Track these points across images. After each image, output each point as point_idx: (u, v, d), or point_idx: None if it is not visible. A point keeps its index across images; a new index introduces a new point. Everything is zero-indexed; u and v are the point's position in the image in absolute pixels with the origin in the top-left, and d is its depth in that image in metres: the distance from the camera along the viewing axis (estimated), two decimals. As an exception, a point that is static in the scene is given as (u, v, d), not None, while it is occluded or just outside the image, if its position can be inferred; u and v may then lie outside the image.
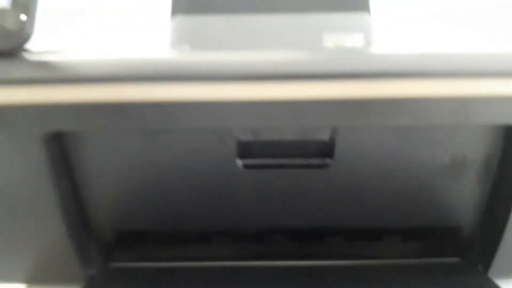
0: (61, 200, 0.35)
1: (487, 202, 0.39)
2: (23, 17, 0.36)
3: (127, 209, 0.39)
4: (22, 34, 0.35)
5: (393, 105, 0.31)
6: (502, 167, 0.36)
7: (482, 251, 0.40)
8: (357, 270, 0.41)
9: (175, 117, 0.31)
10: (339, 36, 0.67)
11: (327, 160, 0.37)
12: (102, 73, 0.31)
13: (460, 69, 0.30)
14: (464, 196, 0.38)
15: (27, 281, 0.41)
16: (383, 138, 0.35)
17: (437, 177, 0.37)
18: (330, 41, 0.67)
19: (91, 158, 0.36)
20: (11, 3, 0.36)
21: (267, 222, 0.41)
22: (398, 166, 0.37)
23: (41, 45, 0.36)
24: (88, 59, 0.32)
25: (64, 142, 0.35)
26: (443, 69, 0.30)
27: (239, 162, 0.37)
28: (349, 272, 0.41)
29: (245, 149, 0.36)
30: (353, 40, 0.67)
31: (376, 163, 0.37)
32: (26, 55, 0.33)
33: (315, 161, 0.37)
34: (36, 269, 0.39)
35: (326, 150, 0.36)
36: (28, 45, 0.35)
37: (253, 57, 0.32)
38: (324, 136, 0.36)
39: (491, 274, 0.39)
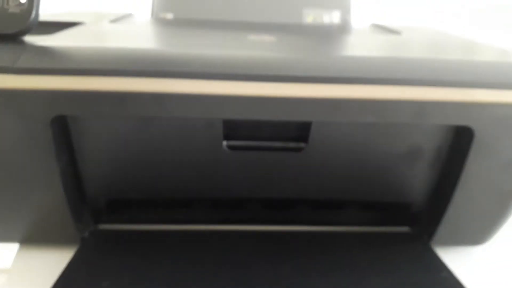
0: (61, 172, 0.39)
1: (435, 183, 0.45)
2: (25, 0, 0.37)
3: (118, 181, 0.44)
4: (25, 18, 0.37)
5: (359, 105, 0.36)
6: (449, 156, 0.42)
7: (428, 223, 0.46)
8: (321, 234, 0.48)
9: (169, 107, 0.35)
10: (318, 12, 0.70)
11: (302, 144, 0.42)
12: (103, 66, 0.34)
13: (418, 78, 0.35)
14: (416, 178, 0.45)
15: (21, 241, 0.45)
16: (350, 129, 0.41)
17: (395, 162, 0.43)
18: (309, 16, 0.70)
19: (88, 137, 0.40)
20: (12, -15, 0.37)
21: (245, 194, 0.46)
22: (362, 152, 0.42)
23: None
24: (91, 52, 0.35)
25: (66, 124, 0.38)
26: (403, 77, 0.35)
27: (224, 143, 0.41)
28: (314, 236, 0.47)
29: (230, 132, 0.41)
30: (331, 17, 0.71)
31: (344, 149, 0.42)
32: (33, 43, 0.36)
33: (292, 144, 0.42)
34: (32, 231, 0.43)
35: (301, 135, 0.41)
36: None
37: (241, 58, 0.36)
38: (300, 124, 0.41)
39: (433, 242, 0.46)
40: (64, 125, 0.38)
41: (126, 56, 0.35)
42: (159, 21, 0.60)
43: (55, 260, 0.42)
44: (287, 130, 0.42)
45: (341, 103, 0.36)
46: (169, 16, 0.65)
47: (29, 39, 0.38)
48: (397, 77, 0.35)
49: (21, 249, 0.45)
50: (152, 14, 0.66)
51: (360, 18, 0.75)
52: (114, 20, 0.54)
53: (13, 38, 0.37)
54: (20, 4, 0.37)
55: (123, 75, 0.34)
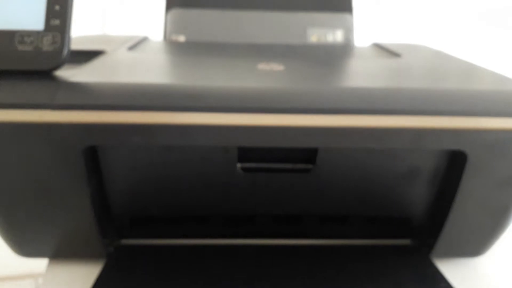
0: (91, 194, 0.42)
1: (434, 199, 0.49)
2: (57, 38, 0.41)
3: (140, 200, 0.48)
4: (58, 55, 0.41)
5: (362, 133, 0.39)
6: (446, 176, 0.46)
7: (428, 236, 0.50)
8: (326, 247, 0.51)
9: (191, 137, 0.39)
10: (322, 32, 0.74)
11: (309, 166, 0.46)
12: (131, 102, 0.38)
13: (415, 108, 0.39)
14: (416, 195, 0.48)
15: (51, 256, 0.49)
16: (354, 152, 0.44)
17: (396, 181, 0.47)
18: (314, 36, 0.74)
19: (115, 163, 0.44)
20: (44, 25, 0.41)
21: (256, 210, 0.50)
22: (365, 172, 0.46)
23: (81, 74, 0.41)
24: (119, 87, 0.39)
25: (96, 152, 0.42)
26: (401, 108, 0.39)
27: (238, 165, 0.45)
28: (319, 249, 0.51)
29: (244, 155, 0.45)
30: (334, 36, 0.74)
31: (349, 169, 0.46)
32: (67, 80, 0.40)
33: (300, 166, 0.46)
34: (62, 247, 0.47)
35: (309, 158, 0.45)
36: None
37: (253, 92, 0.39)
38: (308, 148, 0.45)
39: (433, 255, 0.50)
40: (95, 153, 0.42)
41: (152, 92, 0.39)
42: (173, 46, 0.64)
43: (84, 274, 0.46)
44: (296, 153, 0.45)
45: (344, 131, 0.39)
46: (181, 38, 0.69)
47: (61, 72, 0.41)
48: (395, 108, 0.39)
49: (50, 263, 0.49)
50: (165, 37, 0.70)
51: (362, 34, 0.78)
52: (132, 47, 0.58)
53: (46, 73, 0.41)
54: (54, 42, 0.41)
55: (149, 110, 0.38)
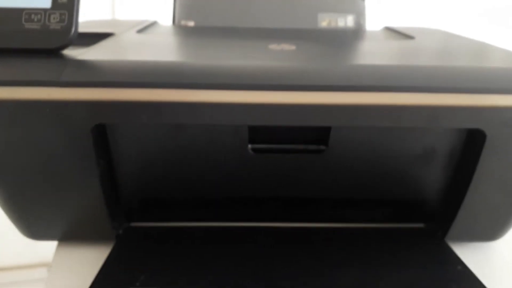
0: (99, 175, 0.42)
1: (449, 182, 0.47)
2: (64, 16, 0.40)
3: (150, 182, 0.47)
4: (66, 34, 0.40)
5: (376, 111, 0.38)
6: (463, 157, 0.45)
7: (443, 220, 0.49)
8: (340, 231, 0.50)
9: (200, 115, 0.38)
10: (332, 17, 0.72)
11: (322, 147, 0.45)
12: (139, 79, 0.37)
13: (431, 85, 0.38)
14: (431, 177, 0.47)
15: (61, 239, 0.49)
16: (368, 132, 0.43)
17: (411, 163, 0.46)
18: (324, 21, 0.73)
19: (124, 143, 0.43)
20: (51, 3, 0.40)
21: (268, 193, 0.49)
22: (379, 153, 0.45)
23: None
24: (127, 65, 0.38)
25: (105, 131, 0.41)
26: (417, 85, 0.38)
27: (249, 146, 0.44)
28: (333, 232, 0.50)
29: (255, 136, 0.44)
30: (345, 21, 0.73)
31: (362, 150, 0.45)
32: (74, 57, 0.39)
33: (312, 147, 0.45)
34: (71, 230, 0.47)
35: (321, 138, 0.44)
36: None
37: (265, 69, 0.38)
38: (320, 128, 0.43)
39: (447, 238, 0.49)
40: (103, 132, 0.41)
41: (160, 69, 0.38)
42: (182, 30, 0.63)
43: (93, 256, 0.46)
44: (308, 133, 0.44)
45: (358, 109, 0.38)
46: (191, 23, 0.68)
47: (68, 52, 0.41)
48: (411, 85, 0.38)
49: (59, 246, 0.48)
50: (174, 22, 0.69)
51: (374, 19, 0.77)
52: (141, 30, 0.57)
53: (54, 52, 0.40)
54: (61, 21, 0.40)
55: (157, 87, 0.37)
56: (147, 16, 0.78)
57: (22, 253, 1.24)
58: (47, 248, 0.49)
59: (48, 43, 0.40)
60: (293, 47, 0.47)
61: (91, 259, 0.46)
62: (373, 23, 0.77)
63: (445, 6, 1.19)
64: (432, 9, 1.19)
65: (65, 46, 0.40)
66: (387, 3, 1.14)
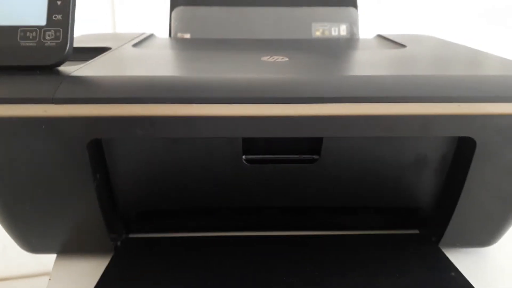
0: (96, 188, 0.42)
1: (442, 188, 0.48)
2: (59, 33, 0.41)
3: (147, 194, 0.48)
4: (61, 51, 0.41)
5: (367, 122, 0.39)
6: (454, 164, 0.45)
7: (436, 226, 0.49)
8: (334, 238, 0.51)
9: (195, 129, 0.39)
10: (326, 26, 0.73)
11: (315, 156, 0.45)
12: (134, 94, 0.38)
13: (422, 95, 0.38)
14: (424, 184, 0.48)
15: (59, 252, 0.49)
16: (361, 140, 0.44)
17: (403, 170, 0.46)
18: (318, 31, 0.74)
19: (120, 156, 0.44)
20: (46, 20, 0.41)
21: (263, 202, 0.50)
22: (372, 162, 0.45)
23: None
24: (122, 81, 0.39)
25: (101, 145, 0.42)
26: (408, 95, 0.38)
27: (243, 157, 0.45)
28: (327, 240, 0.50)
29: (248, 147, 0.44)
30: (339, 30, 0.74)
31: (355, 159, 0.45)
32: (69, 74, 0.40)
33: (305, 156, 0.46)
34: (69, 242, 0.47)
35: (314, 148, 0.45)
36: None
37: (257, 83, 0.39)
38: (313, 138, 0.44)
39: (441, 244, 0.49)
40: (99, 146, 0.42)
41: (154, 84, 0.38)
42: (178, 42, 0.64)
43: (92, 268, 0.47)
44: (301, 143, 0.45)
45: (350, 120, 0.39)
46: (187, 36, 0.69)
47: (64, 68, 0.42)
48: (402, 95, 0.38)
49: (58, 258, 0.49)
50: (170, 35, 0.70)
51: (366, 26, 0.78)
52: (137, 44, 0.58)
53: (49, 69, 0.41)
54: (56, 38, 0.41)
55: (151, 102, 0.38)
56: (148, 27, 0.79)
57: (25, 263, 1.25)
58: (50, 258, 0.50)
59: (44, 60, 0.40)
60: (285, 59, 0.48)
61: (90, 271, 0.46)
62: (373, 25, 0.77)
63: (445, 6, 1.19)
64: (432, 9, 1.20)
65: (60, 63, 0.41)
66: (389, 4, 1.15)
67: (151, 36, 0.67)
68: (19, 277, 1.27)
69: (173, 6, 0.71)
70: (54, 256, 0.50)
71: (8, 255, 1.23)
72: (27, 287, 1.28)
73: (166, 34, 0.72)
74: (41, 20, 0.41)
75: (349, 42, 0.66)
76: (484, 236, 0.49)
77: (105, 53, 0.50)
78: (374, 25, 0.77)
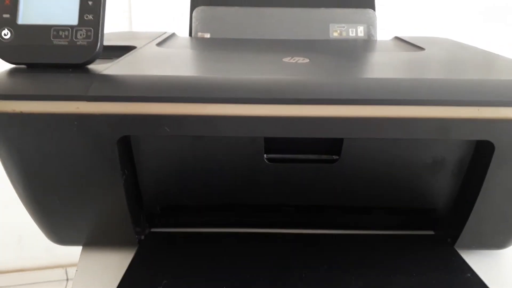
0: (124, 183, 0.44)
1: (458, 190, 0.49)
2: (90, 32, 0.43)
3: (171, 190, 0.49)
4: (92, 50, 0.42)
5: (387, 124, 0.40)
6: (471, 167, 0.46)
7: (452, 227, 0.50)
8: (352, 237, 0.52)
9: (219, 128, 0.40)
10: (343, 27, 0.74)
11: (335, 156, 0.46)
12: (162, 93, 0.39)
13: (441, 98, 0.39)
14: (441, 186, 0.48)
15: (85, 244, 0.51)
16: (380, 142, 0.45)
17: (421, 172, 0.47)
18: (335, 31, 0.75)
19: (147, 153, 0.45)
20: (78, 20, 0.43)
21: (283, 200, 0.51)
22: (390, 163, 0.46)
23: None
24: (150, 80, 0.40)
25: (129, 142, 0.44)
26: (427, 98, 0.39)
27: (265, 156, 0.46)
28: (344, 239, 0.52)
29: (270, 146, 0.46)
30: (356, 31, 0.75)
31: (374, 160, 0.46)
32: (100, 73, 0.41)
33: (325, 157, 0.47)
34: (95, 235, 0.49)
35: (334, 148, 0.46)
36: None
37: (279, 84, 0.40)
38: (333, 138, 0.45)
39: (457, 245, 0.50)
40: (128, 143, 0.43)
41: (181, 84, 0.40)
42: (199, 42, 0.65)
43: (117, 260, 0.48)
44: (322, 144, 0.46)
45: (370, 122, 0.40)
46: (207, 35, 0.70)
47: (94, 66, 0.43)
48: (421, 98, 0.39)
49: (84, 251, 0.51)
50: (190, 34, 0.72)
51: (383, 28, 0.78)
52: (161, 43, 0.59)
53: (81, 67, 0.43)
54: (87, 37, 0.42)
55: (179, 101, 0.39)
56: (163, 25, 0.80)
57: (40, 256, 1.27)
58: (64, 251, 0.51)
59: (75, 58, 0.42)
60: (306, 60, 0.49)
61: (115, 263, 0.48)
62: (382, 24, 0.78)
63: (447, 3, 1.19)
64: (434, 7, 1.20)
65: (91, 61, 0.42)
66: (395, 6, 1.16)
67: (173, 35, 0.68)
68: (34, 269, 1.30)
69: (193, 6, 0.72)
70: (68, 250, 0.51)
71: (23, 248, 1.26)
72: (42, 279, 1.31)
73: (180, 32, 0.73)
74: (73, 20, 0.42)
75: (368, 44, 0.67)
76: (500, 238, 0.49)
77: (131, 52, 0.52)
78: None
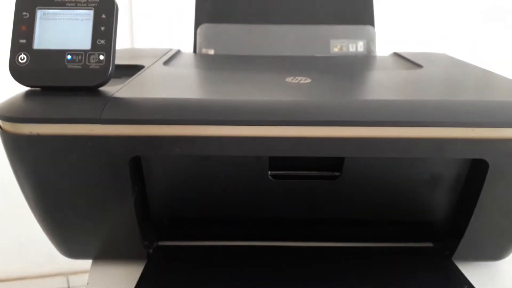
0: (134, 200, 0.46)
1: (456, 205, 0.51)
2: (102, 56, 0.45)
3: (179, 205, 0.51)
4: (104, 73, 0.44)
5: (385, 144, 0.42)
6: (467, 183, 0.48)
7: (450, 240, 0.52)
8: (352, 249, 0.54)
9: (227, 147, 0.42)
10: (344, 43, 0.76)
11: (336, 173, 0.48)
12: (171, 116, 0.41)
13: (437, 120, 0.41)
14: (438, 201, 0.50)
15: (95, 258, 0.53)
16: (380, 160, 0.47)
17: (419, 187, 0.49)
18: (336, 46, 0.77)
19: (156, 171, 0.47)
20: (91, 45, 0.45)
21: (286, 214, 0.53)
22: (389, 179, 0.48)
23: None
24: (160, 103, 0.42)
25: (140, 161, 0.46)
26: (424, 120, 0.41)
27: (269, 173, 0.48)
28: (345, 251, 0.53)
29: (274, 163, 0.48)
30: (356, 47, 0.77)
31: (373, 177, 0.48)
32: (112, 96, 0.43)
33: (327, 173, 0.49)
34: (105, 249, 0.51)
35: (336, 165, 0.48)
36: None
37: (283, 106, 0.42)
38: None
39: (454, 257, 0.52)
40: (139, 162, 0.46)
41: (190, 107, 0.42)
42: (204, 60, 0.68)
43: (126, 274, 0.50)
44: (324, 161, 0.48)
45: (369, 142, 0.42)
46: (211, 52, 0.72)
47: (106, 88, 0.45)
48: (418, 120, 0.41)
49: (94, 264, 0.53)
50: (195, 50, 0.74)
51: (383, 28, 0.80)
52: (167, 62, 0.61)
53: (93, 89, 0.45)
54: (100, 61, 0.44)
55: (188, 124, 0.41)
56: (164, 40, 0.82)
57: (42, 264, 1.29)
58: (66, 259, 0.53)
59: (88, 81, 0.44)
60: (308, 80, 0.51)
61: (125, 276, 0.50)
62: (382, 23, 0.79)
63: (446, 3, 1.21)
64: (433, 7, 1.21)
65: (103, 84, 0.44)
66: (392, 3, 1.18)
67: (178, 52, 0.71)
68: (35, 277, 1.32)
69: (197, 23, 0.74)
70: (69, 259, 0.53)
71: (25, 256, 1.27)
72: (42, 287, 1.32)
73: (179, 46, 0.75)
74: (86, 45, 0.44)
75: (367, 61, 0.69)
76: (496, 250, 0.51)
77: (140, 72, 0.54)
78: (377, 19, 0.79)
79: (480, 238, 0.50)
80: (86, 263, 0.53)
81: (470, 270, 0.51)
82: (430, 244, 0.55)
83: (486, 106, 0.43)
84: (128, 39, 1.12)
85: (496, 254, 0.52)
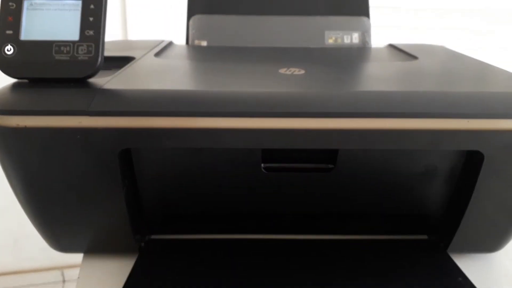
0: (125, 193, 0.45)
1: (451, 197, 0.50)
2: (91, 48, 0.44)
3: (170, 198, 0.50)
4: (93, 65, 0.43)
5: (380, 135, 0.41)
6: (463, 175, 0.48)
7: (445, 232, 0.52)
8: (347, 243, 0.53)
9: (218, 140, 0.41)
10: (339, 35, 0.75)
11: (330, 165, 0.48)
12: (161, 108, 0.40)
13: (432, 111, 0.41)
14: (433, 193, 0.50)
15: (86, 251, 0.52)
16: (374, 152, 0.46)
17: (414, 180, 0.49)
18: (331, 38, 0.76)
19: (147, 164, 0.47)
20: (79, 35, 0.44)
21: (280, 208, 0.52)
22: (384, 171, 0.48)
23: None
24: (150, 95, 0.41)
25: (130, 154, 0.45)
26: (419, 111, 0.41)
27: (262, 166, 0.47)
28: (340, 244, 0.53)
29: (267, 156, 0.47)
30: (351, 38, 0.76)
31: (368, 169, 0.48)
32: (101, 87, 0.42)
33: (321, 165, 0.48)
34: (97, 243, 0.50)
35: (329, 158, 0.47)
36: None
37: (276, 97, 0.42)
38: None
39: (449, 250, 0.51)
40: (129, 155, 0.45)
41: (180, 98, 0.41)
42: (197, 51, 0.67)
43: (118, 267, 0.49)
44: (318, 154, 0.48)
45: (364, 134, 0.41)
46: (204, 43, 0.71)
47: (95, 80, 0.44)
48: (414, 111, 0.41)
49: (85, 258, 0.52)
50: (187, 41, 0.73)
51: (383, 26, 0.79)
52: (158, 53, 0.60)
53: (82, 81, 0.44)
54: (88, 52, 0.43)
55: (178, 115, 0.40)
56: (158, 31, 0.81)
57: (37, 258, 1.28)
58: (60, 253, 0.53)
59: (77, 73, 0.43)
60: (302, 71, 0.50)
61: (116, 270, 0.49)
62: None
63: (446, 3, 1.21)
64: (434, 6, 1.21)
65: (92, 75, 0.44)
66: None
67: (170, 44, 0.70)
68: (30, 270, 1.31)
69: (190, 14, 0.73)
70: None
71: (19, 250, 1.27)
72: (39, 281, 1.32)
73: (173, 37, 0.74)
74: (75, 36, 0.43)
75: (362, 52, 0.68)
76: (491, 242, 0.51)
77: (130, 64, 0.53)
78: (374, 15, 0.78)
79: (475, 230, 0.49)
80: (81, 257, 0.52)
81: (465, 262, 0.50)
82: (425, 237, 0.55)
83: (481, 97, 0.43)
84: (122, 32, 1.11)
85: (491, 246, 0.52)
